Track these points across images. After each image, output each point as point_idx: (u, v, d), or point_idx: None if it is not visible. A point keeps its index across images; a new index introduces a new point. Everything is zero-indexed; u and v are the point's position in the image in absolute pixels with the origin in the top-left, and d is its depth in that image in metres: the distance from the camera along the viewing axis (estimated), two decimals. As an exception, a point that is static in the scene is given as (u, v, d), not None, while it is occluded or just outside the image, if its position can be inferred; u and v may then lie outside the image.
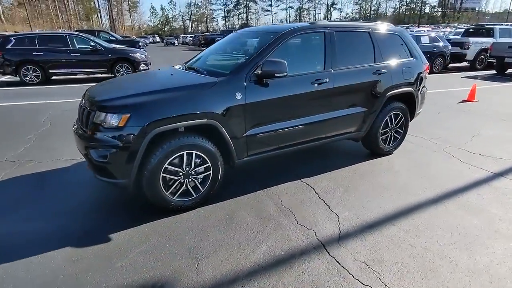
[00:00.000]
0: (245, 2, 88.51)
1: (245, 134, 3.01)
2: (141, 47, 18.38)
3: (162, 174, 2.71)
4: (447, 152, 4.31)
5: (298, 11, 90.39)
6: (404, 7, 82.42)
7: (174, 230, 2.66)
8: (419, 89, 4.22)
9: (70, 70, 10.56)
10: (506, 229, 2.64)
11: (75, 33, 11.59)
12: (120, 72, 10.98)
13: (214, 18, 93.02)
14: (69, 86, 10.03)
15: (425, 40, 12.38)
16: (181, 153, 2.73)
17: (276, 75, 2.94)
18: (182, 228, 2.68)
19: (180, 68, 3.70)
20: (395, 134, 4.22)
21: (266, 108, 3.06)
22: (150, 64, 11.98)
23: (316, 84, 3.29)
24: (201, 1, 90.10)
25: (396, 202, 3.06)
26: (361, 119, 3.78)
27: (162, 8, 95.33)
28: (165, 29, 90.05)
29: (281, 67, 2.90)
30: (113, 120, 2.55)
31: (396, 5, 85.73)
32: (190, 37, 45.49)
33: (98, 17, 73.57)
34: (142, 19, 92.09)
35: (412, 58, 4.15)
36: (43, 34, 10.70)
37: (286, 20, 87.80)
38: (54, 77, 10.84)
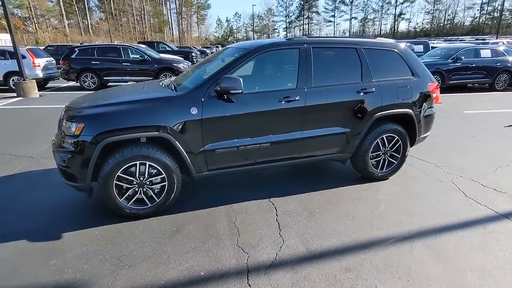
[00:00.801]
0: (307, 13, 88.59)
1: (202, 149, 3.03)
2: (194, 57, 19.53)
3: (115, 182, 2.86)
4: (454, 184, 3.77)
5: (362, 22, 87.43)
6: (485, 16, 74.29)
7: (119, 236, 2.77)
8: (421, 110, 3.79)
9: (121, 78, 11.70)
10: (472, 284, 2.21)
11: (128, 44, 12.84)
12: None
13: (276, 29, 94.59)
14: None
15: (485, 54, 11.02)
16: (133, 163, 2.85)
17: (232, 91, 2.92)
18: (127, 235, 2.79)
19: (165, 82, 3.85)
20: (390, 159, 3.83)
21: (225, 124, 3.05)
22: (192, 74, 12.64)
23: (283, 102, 3.17)
24: (264, 13, 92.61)
25: (357, 235, 2.77)
26: (343, 140, 3.52)
27: (227, 20, 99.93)
28: (229, 39, 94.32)
29: (236, 84, 2.87)
30: (72, 128, 2.78)
31: (475, 14, 77.75)
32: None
33: (169, 29, 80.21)
34: (209, 30, 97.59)
35: (412, 77, 3.75)
36: (101, 46, 12.05)
37: (349, 32, 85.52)
38: (109, 84, 12.08)
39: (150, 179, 2.96)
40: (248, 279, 2.25)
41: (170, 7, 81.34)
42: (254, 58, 3.19)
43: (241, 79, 2.88)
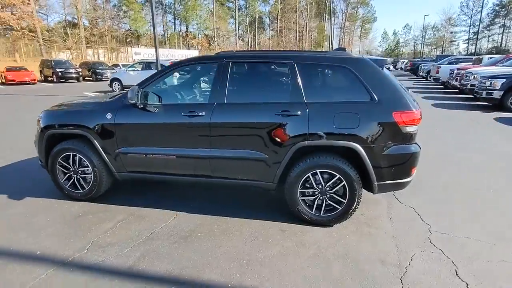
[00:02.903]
0: (503, 21, 71.32)
1: (117, 151, 3.36)
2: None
3: (58, 166, 3.59)
4: (411, 258, 2.60)
5: None
6: None
7: (47, 208, 3.46)
8: (380, 146, 2.82)
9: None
10: None
11: None
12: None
13: (454, 41, 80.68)
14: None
15: None
16: (68, 153, 3.50)
17: (130, 101, 3.12)
18: (51, 209, 3.44)
19: None
20: (332, 203, 3.02)
21: (134, 131, 3.28)
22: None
23: (188, 116, 3.10)
24: (441, 24, 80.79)
25: (189, 271, 2.45)
26: (262, 166, 3.07)
27: (394, 33, 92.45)
28: (393, 53, 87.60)
29: (131, 95, 3.07)
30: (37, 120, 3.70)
31: None
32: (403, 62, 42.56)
33: (329, 44, 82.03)
34: (373, 44, 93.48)
35: (370, 101, 2.84)
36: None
37: None
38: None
39: (82, 169, 3.55)
40: (53, 270, 2.45)
41: (333, 22, 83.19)
42: (172, 71, 3.27)
43: (137, 91, 3.07)
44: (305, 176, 2.99)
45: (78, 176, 3.58)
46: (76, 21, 38.32)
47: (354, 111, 2.84)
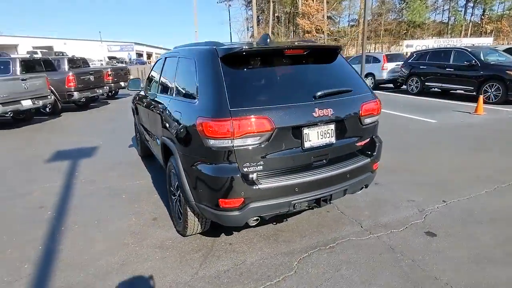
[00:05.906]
0: None
1: (140, 122, 4.55)
2: None
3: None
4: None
5: None
6: None
7: (120, 156, 5.35)
8: (189, 157, 2.23)
9: (440, 84, 10.48)
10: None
11: (459, 47, 10.42)
12: (488, 93, 8.93)
13: None
14: (442, 101, 9.92)
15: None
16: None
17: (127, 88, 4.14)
18: (124, 154, 5.29)
19: None
20: (179, 212, 2.68)
21: (139, 109, 4.33)
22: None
23: (148, 103, 3.70)
24: None
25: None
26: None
27: None
28: None
29: (128, 83, 4.07)
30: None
31: None
32: None
33: None
34: None
35: (193, 100, 2.22)
36: (436, 49, 11.10)
37: None
38: (431, 90, 11.12)
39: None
40: (59, 183, 4.13)
41: None
42: (163, 63, 3.88)
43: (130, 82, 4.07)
44: (169, 174, 2.84)
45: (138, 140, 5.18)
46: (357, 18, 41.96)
47: (180, 110, 2.38)
